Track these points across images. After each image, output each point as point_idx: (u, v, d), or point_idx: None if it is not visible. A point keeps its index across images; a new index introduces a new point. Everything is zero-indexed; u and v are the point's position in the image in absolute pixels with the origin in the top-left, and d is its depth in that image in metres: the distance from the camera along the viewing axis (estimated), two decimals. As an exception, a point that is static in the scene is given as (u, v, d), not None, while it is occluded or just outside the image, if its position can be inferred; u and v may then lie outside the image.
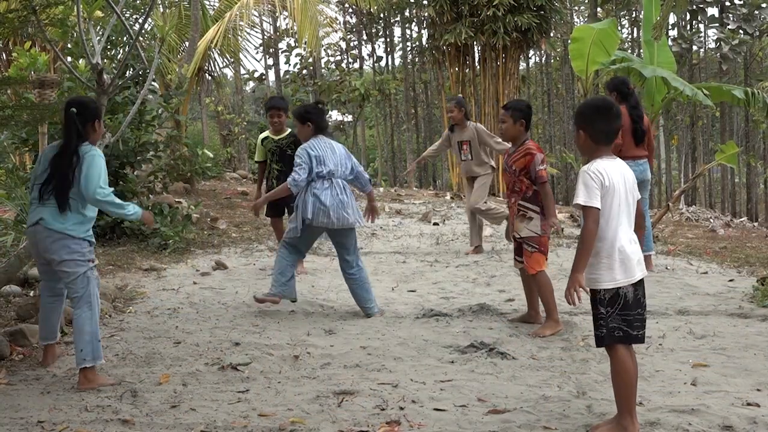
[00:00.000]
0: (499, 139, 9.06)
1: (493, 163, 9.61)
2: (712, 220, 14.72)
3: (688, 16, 23.91)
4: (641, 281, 3.70)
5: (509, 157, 5.97)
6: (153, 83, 12.16)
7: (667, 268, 8.33)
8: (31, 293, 6.93)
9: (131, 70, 9.45)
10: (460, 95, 15.78)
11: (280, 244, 6.71)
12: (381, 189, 19.57)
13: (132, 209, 4.80)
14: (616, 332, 3.62)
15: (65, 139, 4.69)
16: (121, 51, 10.78)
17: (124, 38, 10.22)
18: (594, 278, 3.66)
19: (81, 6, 6.07)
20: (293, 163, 6.42)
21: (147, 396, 4.36)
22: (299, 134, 6.62)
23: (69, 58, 9.69)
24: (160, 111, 11.14)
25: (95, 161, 4.61)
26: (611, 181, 3.63)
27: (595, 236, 3.59)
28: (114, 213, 4.79)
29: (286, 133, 8.24)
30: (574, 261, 3.65)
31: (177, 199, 12.04)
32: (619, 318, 3.62)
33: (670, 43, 15.73)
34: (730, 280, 7.73)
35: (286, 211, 8.17)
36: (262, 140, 8.40)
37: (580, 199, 3.61)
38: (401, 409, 4.10)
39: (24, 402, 4.27)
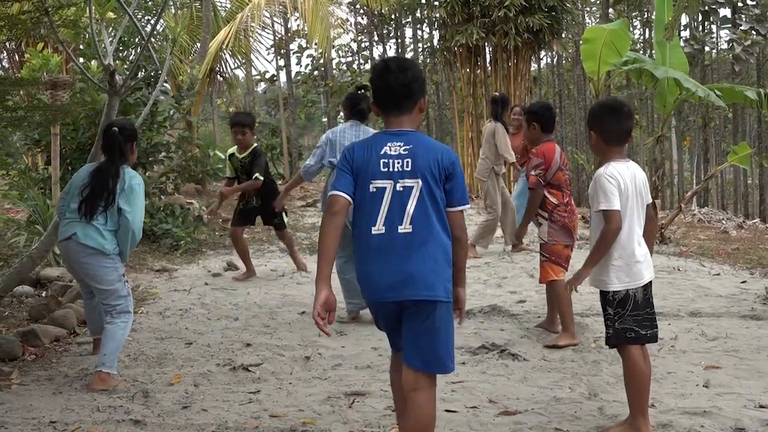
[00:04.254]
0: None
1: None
2: (724, 222, 14.62)
3: (700, 17, 23.78)
4: (650, 281, 3.72)
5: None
6: (165, 84, 12.20)
7: (679, 270, 8.29)
8: (43, 294, 6.97)
9: (143, 71, 9.49)
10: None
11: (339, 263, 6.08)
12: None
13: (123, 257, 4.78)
14: (628, 333, 3.64)
15: (109, 158, 4.73)
16: (133, 52, 10.82)
17: (136, 39, 10.26)
18: (604, 280, 3.67)
19: (93, 7, 6.10)
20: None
21: (159, 396, 4.37)
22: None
23: (81, 60, 9.74)
24: (171, 112, 11.18)
25: (141, 190, 4.70)
26: (625, 184, 3.65)
27: (617, 237, 3.60)
28: (124, 244, 4.68)
29: (250, 149, 7.89)
30: (588, 256, 3.71)
31: (188, 200, 12.09)
32: (631, 319, 3.63)
33: (682, 44, 15.67)
34: (743, 282, 7.68)
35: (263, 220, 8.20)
36: (229, 156, 8.05)
37: (602, 205, 3.63)
38: (412, 410, 4.08)
39: (36, 402, 4.29)
